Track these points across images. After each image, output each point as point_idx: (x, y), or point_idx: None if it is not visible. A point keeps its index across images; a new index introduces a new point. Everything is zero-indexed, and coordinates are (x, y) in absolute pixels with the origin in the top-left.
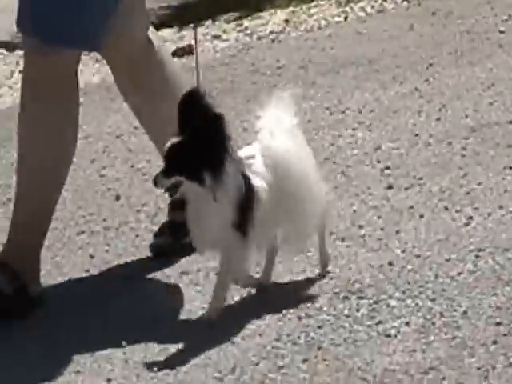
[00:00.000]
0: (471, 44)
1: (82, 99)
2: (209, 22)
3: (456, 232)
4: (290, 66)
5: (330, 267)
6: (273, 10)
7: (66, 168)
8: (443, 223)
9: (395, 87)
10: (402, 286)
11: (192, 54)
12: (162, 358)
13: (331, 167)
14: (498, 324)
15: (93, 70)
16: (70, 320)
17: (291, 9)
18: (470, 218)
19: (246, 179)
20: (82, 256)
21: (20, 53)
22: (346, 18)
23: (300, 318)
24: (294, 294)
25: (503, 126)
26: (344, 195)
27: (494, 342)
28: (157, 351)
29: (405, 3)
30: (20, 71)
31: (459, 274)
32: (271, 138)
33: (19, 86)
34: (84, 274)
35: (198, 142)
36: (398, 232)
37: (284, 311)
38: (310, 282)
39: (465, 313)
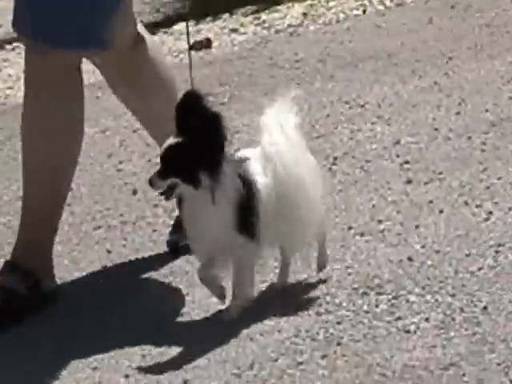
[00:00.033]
0: (491, 37)
1: (99, 93)
2: (226, 15)
3: (476, 227)
4: (308, 59)
5: (349, 262)
6: (290, 4)
7: (71, 167)
8: (463, 218)
9: (414, 81)
10: (421, 282)
11: (210, 48)
12: (180, 354)
13: (350, 162)
14: None
15: None
16: (86, 315)
17: (309, 2)
18: (490, 212)
19: (246, 181)
20: (99, 251)
21: None
22: (364, 12)
23: (319, 314)
24: (312, 290)
25: None
26: (363, 190)
27: None
28: (175, 347)
29: None
30: None
31: (479, 269)
32: (271, 142)
33: None
34: (101, 269)
35: (195, 144)
36: (417, 227)
37: (303, 307)
38: (328, 277)
39: (485, 308)
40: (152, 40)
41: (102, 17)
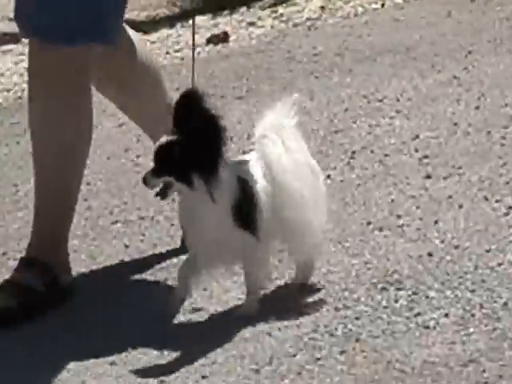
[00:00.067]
0: (511, 31)
1: None
2: (243, 8)
3: (495, 222)
4: (326, 53)
5: (368, 257)
6: None
7: (80, 159)
8: (483, 213)
9: (433, 75)
10: (441, 277)
11: (227, 41)
12: (198, 349)
13: (369, 156)
14: None
15: None
16: (103, 310)
17: None
18: (510, 207)
19: (244, 182)
20: (117, 246)
21: None
22: (383, 5)
23: (337, 309)
24: (331, 285)
25: None
26: (382, 184)
27: None
28: (193, 342)
29: None
30: None
31: (499, 264)
32: (269, 146)
33: None
34: (118, 264)
35: (191, 143)
36: (436, 222)
37: (321, 302)
38: (347, 272)
39: (505, 304)
40: (137, 36)
41: (112, 10)
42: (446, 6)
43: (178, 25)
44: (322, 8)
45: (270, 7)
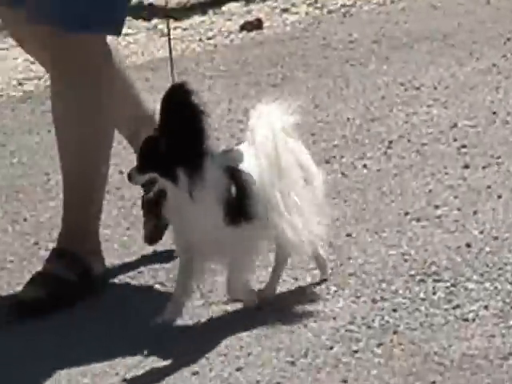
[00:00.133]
0: None
1: (148, 75)
2: None
3: None
4: (362, 40)
5: (405, 248)
6: None
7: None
8: None
9: (472, 63)
10: (480, 269)
11: (261, 28)
12: (232, 341)
13: (406, 145)
14: None
15: (159, 45)
16: (136, 300)
17: None
18: None
19: (234, 173)
20: None
21: None
22: None
23: (374, 301)
24: (367, 276)
25: None
26: (419, 174)
27: None
28: (228, 333)
29: None
30: None
31: None
32: (260, 137)
33: None
34: (151, 254)
35: (175, 139)
36: (475, 213)
37: (358, 294)
38: (384, 263)
39: None
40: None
41: (121, 2)
42: None
43: (211, 11)
44: None
45: None
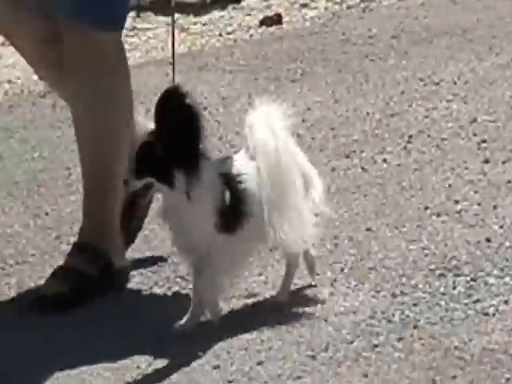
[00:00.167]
0: None
1: (168, 69)
2: None
3: None
4: (381, 35)
5: (425, 243)
6: None
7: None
8: None
9: (491, 58)
10: (500, 263)
11: (281, 23)
12: (253, 336)
13: (425, 140)
14: None
15: (179, 40)
16: (157, 294)
17: None
18: None
19: (228, 180)
20: None
21: None
22: None
23: (394, 296)
24: (387, 271)
25: None
26: (439, 169)
27: None
28: (249, 328)
29: None
30: None
31: None
32: (257, 142)
33: None
34: (173, 249)
35: (171, 142)
36: (495, 207)
37: (378, 288)
38: (404, 258)
39: None
40: None
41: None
42: None
43: (230, 7)
44: None
45: None
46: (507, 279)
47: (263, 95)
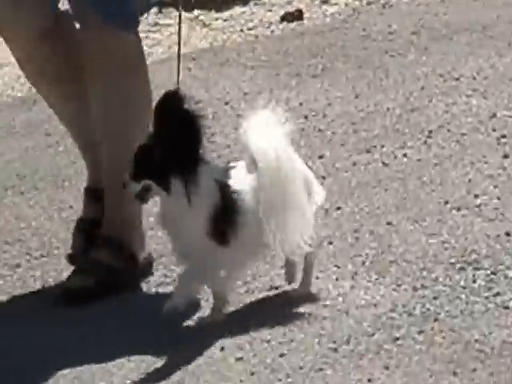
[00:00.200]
0: None
1: (190, 65)
2: None
3: None
4: (401, 31)
5: (445, 236)
6: None
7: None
8: None
9: (511, 54)
10: None
11: (301, 19)
12: (276, 327)
13: (445, 135)
14: None
15: (200, 35)
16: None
17: None
18: None
19: (224, 187)
20: None
21: None
22: None
23: (415, 289)
24: (408, 264)
25: None
26: (459, 164)
27: None
28: (271, 320)
29: None
30: None
31: None
32: (256, 149)
33: None
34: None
35: (170, 146)
36: None
37: (399, 282)
38: (425, 252)
39: None
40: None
41: None
42: None
43: (251, 2)
44: None
45: None
46: None
47: (284, 90)
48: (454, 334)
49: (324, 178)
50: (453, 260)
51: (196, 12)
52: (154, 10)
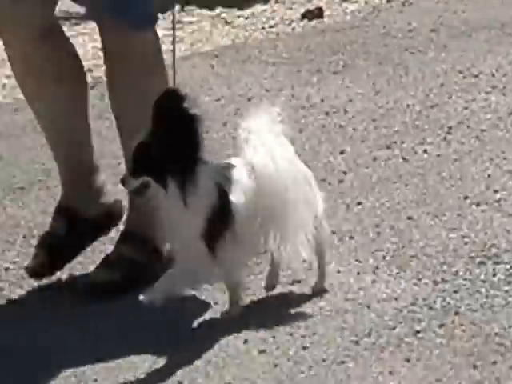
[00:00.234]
0: None
1: (212, 62)
2: None
3: None
4: (421, 29)
5: (465, 231)
6: None
7: None
8: None
9: None
10: None
11: (322, 17)
12: (298, 321)
13: (465, 131)
14: None
15: (223, 33)
16: None
17: None
18: None
19: (222, 190)
20: None
21: None
22: None
23: (436, 283)
24: (428, 259)
25: None
26: (478, 159)
27: None
28: (294, 313)
29: None
30: None
31: None
32: (255, 152)
33: None
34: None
35: (169, 144)
36: None
37: (420, 276)
38: (445, 246)
39: None
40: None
41: None
42: None
43: (272, 0)
44: None
45: None
46: None
47: (305, 87)
48: (475, 327)
49: (345, 173)
50: (473, 254)
51: (218, 10)
52: (177, 8)
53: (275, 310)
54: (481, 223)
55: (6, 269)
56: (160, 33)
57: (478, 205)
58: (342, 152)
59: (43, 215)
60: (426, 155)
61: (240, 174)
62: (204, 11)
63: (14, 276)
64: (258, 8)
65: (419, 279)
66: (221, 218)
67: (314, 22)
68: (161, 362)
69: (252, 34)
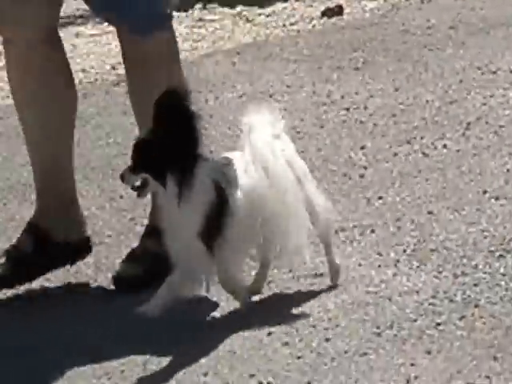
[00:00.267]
0: None
1: (235, 59)
2: None
3: None
4: (439, 26)
5: (484, 225)
6: None
7: None
8: None
9: None
10: None
11: (341, 14)
12: (321, 313)
13: (483, 127)
14: None
15: (244, 30)
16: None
17: None
18: None
19: (220, 188)
20: None
21: None
22: None
23: (456, 276)
24: (449, 252)
25: None
26: (497, 154)
27: None
28: (316, 306)
29: None
30: None
31: None
32: (255, 148)
33: None
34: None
35: (169, 141)
36: None
37: (440, 269)
38: (464, 240)
39: None
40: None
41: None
42: None
43: None
44: None
45: None
46: None
47: (326, 84)
48: (494, 319)
49: (366, 168)
50: (492, 248)
51: (239, 8)
52: (199, 6)
53: (297, 303)
54: (500, 217)
55: None
56: (183, 30)
57: (496, 199)
58: (362, 147)
59: None
60: (445, 150)
61: (239, 172)
62: (226, 9)
63: None
64: (279, 6)
65: (439, 272)
66: (219, 216)
67: (333, 20)
68: (185, 354)
69: (273, 31)
